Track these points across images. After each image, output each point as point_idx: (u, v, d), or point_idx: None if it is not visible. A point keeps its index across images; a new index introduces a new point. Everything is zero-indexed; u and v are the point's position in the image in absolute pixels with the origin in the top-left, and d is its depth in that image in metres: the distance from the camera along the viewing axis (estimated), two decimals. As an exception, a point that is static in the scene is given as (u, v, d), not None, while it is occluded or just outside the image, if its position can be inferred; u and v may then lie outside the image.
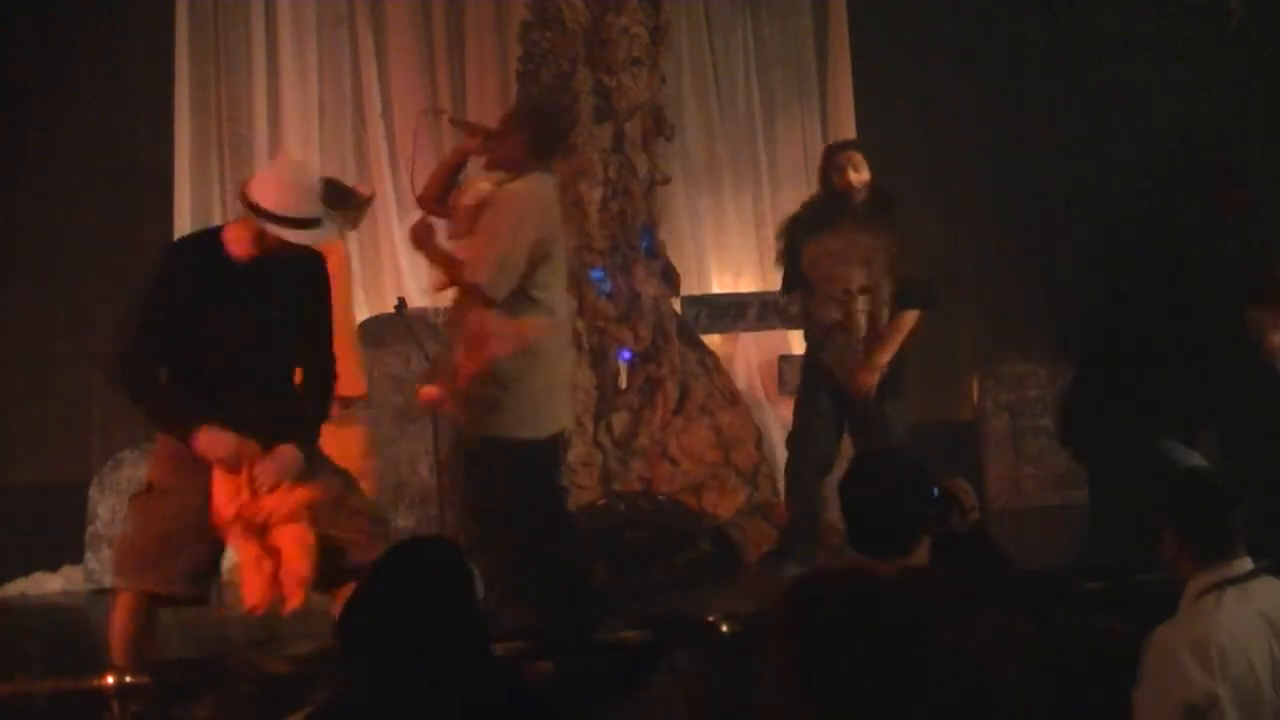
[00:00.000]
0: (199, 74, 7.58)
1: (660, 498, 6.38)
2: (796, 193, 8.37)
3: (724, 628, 4.34)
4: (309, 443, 4.32)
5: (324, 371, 4.43)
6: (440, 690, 2.50)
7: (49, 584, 6.92)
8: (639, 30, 6.81)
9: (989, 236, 8.29)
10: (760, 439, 6.85)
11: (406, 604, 2.58)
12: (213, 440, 4.13)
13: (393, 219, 7.65)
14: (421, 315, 6.70)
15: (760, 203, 8.30)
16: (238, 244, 4.20)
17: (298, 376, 4.40)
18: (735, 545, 6.21)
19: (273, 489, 4.16)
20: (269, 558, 4.21)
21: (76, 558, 6.97)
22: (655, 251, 6.89)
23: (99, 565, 6.95)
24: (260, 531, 4.19)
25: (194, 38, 7.57)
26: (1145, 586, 4.90)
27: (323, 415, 4.41)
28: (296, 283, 4.30)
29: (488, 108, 7.74)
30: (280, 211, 4.09)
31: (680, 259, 7.52)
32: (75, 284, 7.37)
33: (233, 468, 4.14)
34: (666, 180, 7.14)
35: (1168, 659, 3.09)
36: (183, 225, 7.46)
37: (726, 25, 8.31)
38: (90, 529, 6.98)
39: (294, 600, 4.23)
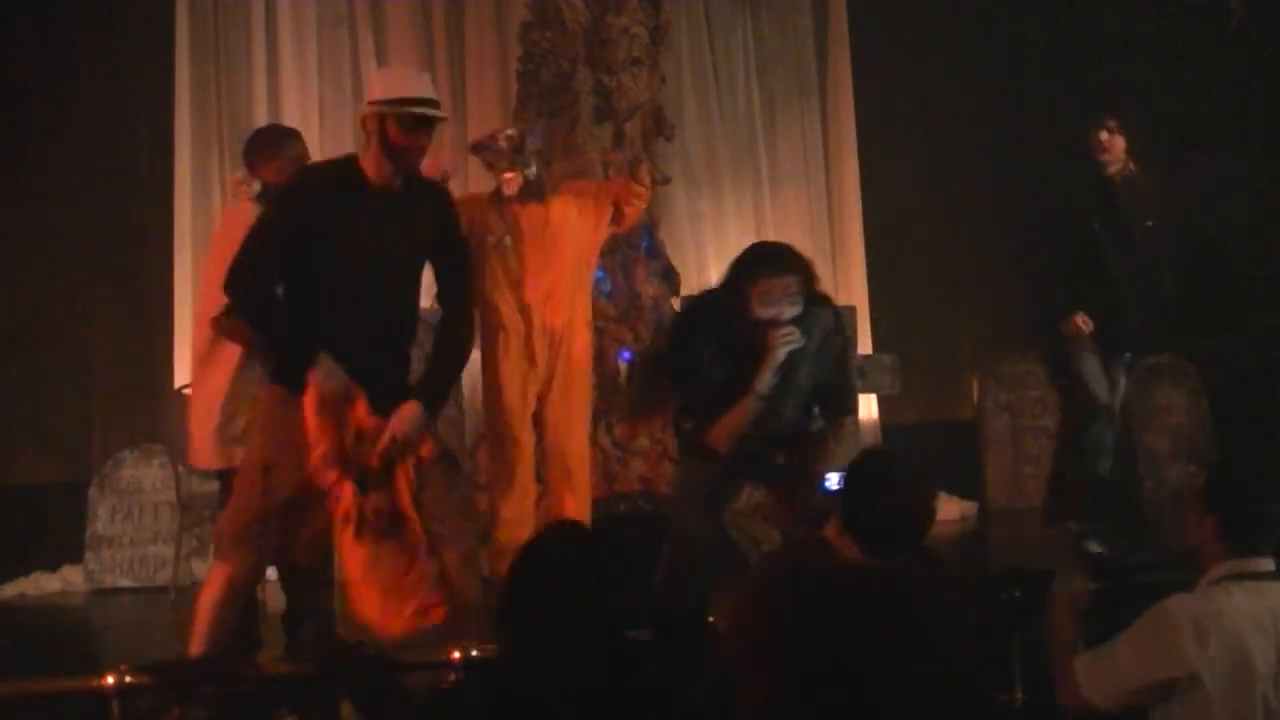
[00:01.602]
0: (199, 74, 7.58)
1: (660, 498, 6.39)
2: (796, 192, 8.40)
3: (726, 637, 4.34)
4: (435, 400, 4.16)
5: (463, 324, 4.29)
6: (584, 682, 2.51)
7: (49, 584, 6.93)
8: (639, 30, 6.82)
9: (989, 236, 8.29)
10: (760, 439, 6.85)
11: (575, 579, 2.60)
12: (328, 370, 3.98)
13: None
14: (423, 316, 6.69)
15: (760, 203, 8.30)
16: (373, 165, 4.09)
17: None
18: (735, 545, 6.21)
19: (394, 450, 4.00)
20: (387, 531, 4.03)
21: (76, 558, 6.98)
22: (655, 251, 6.89)
23: (99, 565, 6.96)
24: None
25: (194, 38, 7.57)
26: (1145, 587, 4.91)
27: (453, 375, 4.31)
28: (429, 216, 4.18)
29: (488, 107, 7.76)
30: (408, 93, 4.05)
31: (680, 259, 7.52)
32: (75, 283, 7.38)
33: (334, 409, 3.98)
34: (666, 180, 7.14)
35: (1167, 627, 3.11)
36: (183, 225, 7.47)
37: (726, 25, 8.31)
38: (90, 529, 6.99)
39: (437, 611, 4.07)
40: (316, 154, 7.50)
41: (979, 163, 8.40)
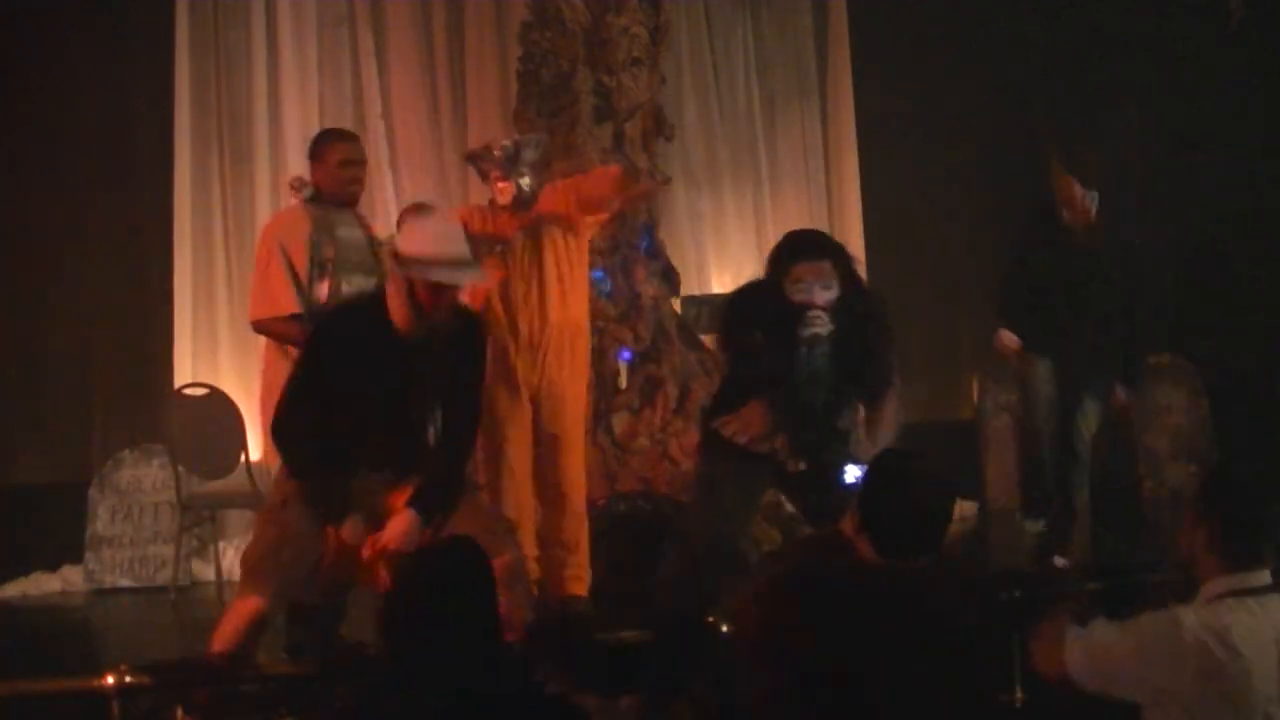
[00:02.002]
0: (199, 73, 7.58)
1: (660, 498, 6.39)
2: (796, 192, 8.41)
3: (724, 628, 4.33)
4: (431, 514, 4.17)
5: (464, 434, 4.34)
6: (456, 687, 2.55)
7: (49, 584, 6.93)
8: (639, 30, 6.81)
9: (989, 236, 8.29)
10: (760, 439, 6.84)
11: (430, 602, 2.65)
12: (354, 530, 4.11)
13: (393, 219, 7.63)
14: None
15: (760, 203, 8.30)
16: (399, 312, 4.13)
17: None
18: (736, 545, 6.21)
19: (382, 557, 4.09)
20: None
21: (76, 558, 6.98)
22: (655, 251, 6.89)
23: (99, 565, 6.96)
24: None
25: (194, 38, 7.56)
26: (1145, 587, 4.91)
27: (452, 493, 4.26)
28: (459, 350, 4.23)
29: (488, 107, 7.76)
30: (432, 255, 4.07)
31: (680, 259, 7.52)
32: (75, 283, 7.38)
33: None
34: (666, 180, 7.14)
35: (1177, 641, 3.02)
36: (183, 225, 7.47)
37: (726, 25, 8.31)
38: (90, 529, 6.98)
39: None
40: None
41: (979, 163, 8.40)
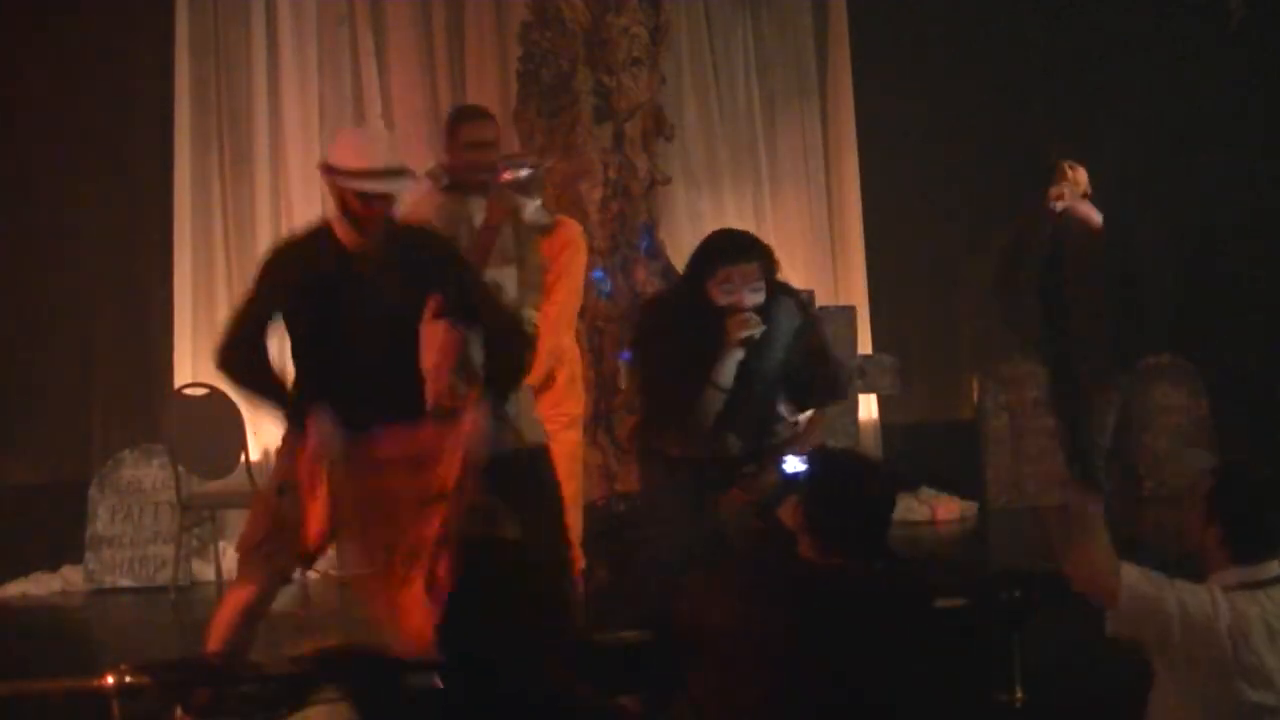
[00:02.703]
0: (199, 73, 7.58)
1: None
2: (796, 192, 8.40)
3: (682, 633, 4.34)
4: (498, 410, 4.15)
5: (508, 344, 4.26)
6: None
7: (49, 584, 6.93)
8: (639, 30, 6.82)
9: (989, 236, 8.29)
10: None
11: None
12: (326, 426, 4.00)
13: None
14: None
15: (760, 203, 8.30)
16: (342, 229, 4.08)
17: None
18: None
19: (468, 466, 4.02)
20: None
21: (76, 558, 6.98)
22: (655, 251, 6.89)
23: (99, 565, 6.96)
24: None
25: (194, 37, 7.56)
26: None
27: (507, 383, 4.26)
28: (418, 262, 4.14)
29: (488, 107, 7.74)
30: (356, 165, 4.01)
31: (680, 259, 7.51)
32: (75, 283, 7.38)
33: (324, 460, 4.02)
34: (666, 180, 7.14)
35: (1211, 614, 3.07)
36: (183, 225, 7.46)
37: (726, 25, 8.30)
38: (90, 529, 6.98)
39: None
40: (317, 154, 7.57)
41: (979, 163, 8.40)
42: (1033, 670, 4.38)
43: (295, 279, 4.08)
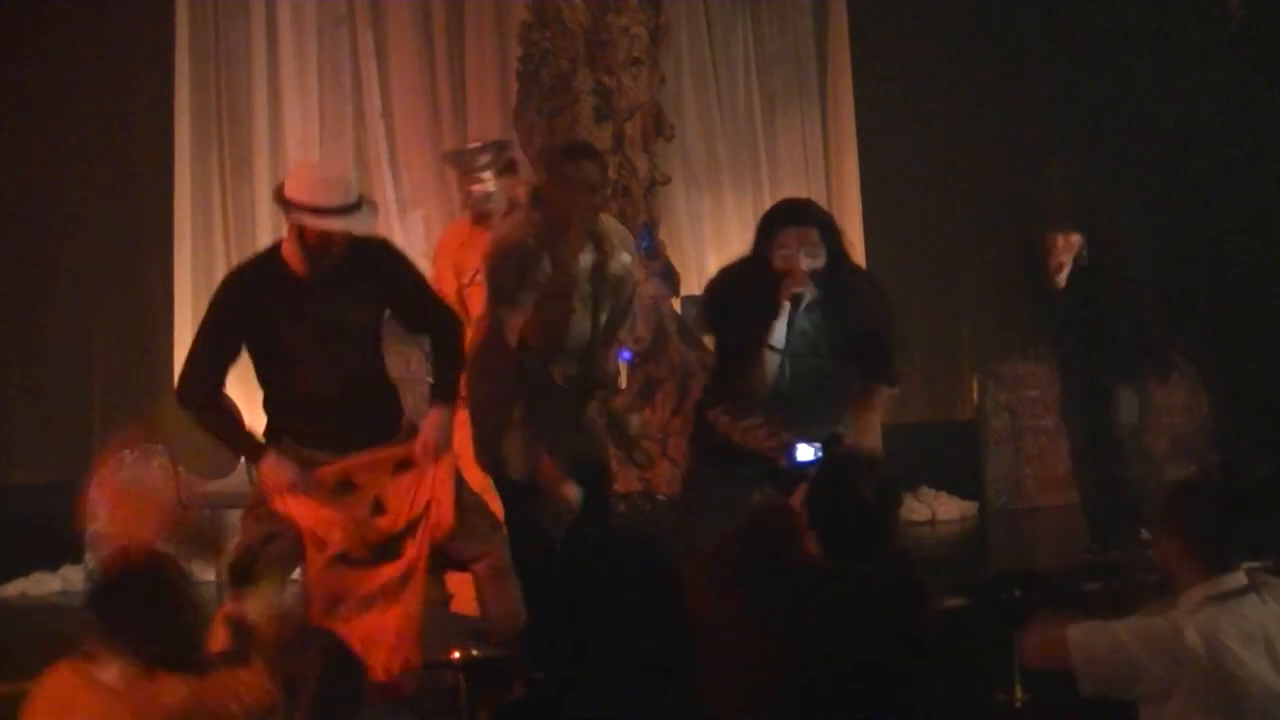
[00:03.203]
0: (199, 74, 7.57)
1: (660, 498, 6.39)
2: (796, 192, 8.39)
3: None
4: (450, 398, 4.24)
5: (449, 335, 4.34)
6: None
7: (49, 584, 6.92)
8: (639, 30, 6.83)
9: (989, 236, 8.30)
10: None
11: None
12: (275, 466, 4.07)
13: (393, 219, 7.64)
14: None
15: (760, 202, 8.29)
16: (294, 257, 4.09)
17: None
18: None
19: (430, 456, 4.10)
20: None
21: (76, 558, 6.97)
22: (655, 251, 6.90)
23: (98, 565, 6.95)
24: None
25: (194, 37, 7.56)
26: (1145, 586, 4.91)
27: (457, 370, 4.33)
28: (372, 278, 4.17)
29: (488, 107, 7.75)
30: (315, 203, 4.01)
31: (680, 259, 7.52)
32: (75, 283, 7.37)
33: (291, 492, 4.07)
34: (666, 180, 7.15)
35: (1178, 642, 3.04)
36: (182, 225, 7.46)
37: (726, 25, 8.30)
38: (90, 529, 6.97)
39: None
40: (317, 154, 7.58)
41: (979, 162, 8.40)
42: (1033, 670, 4.38)
43: (248, 311, 4.11)
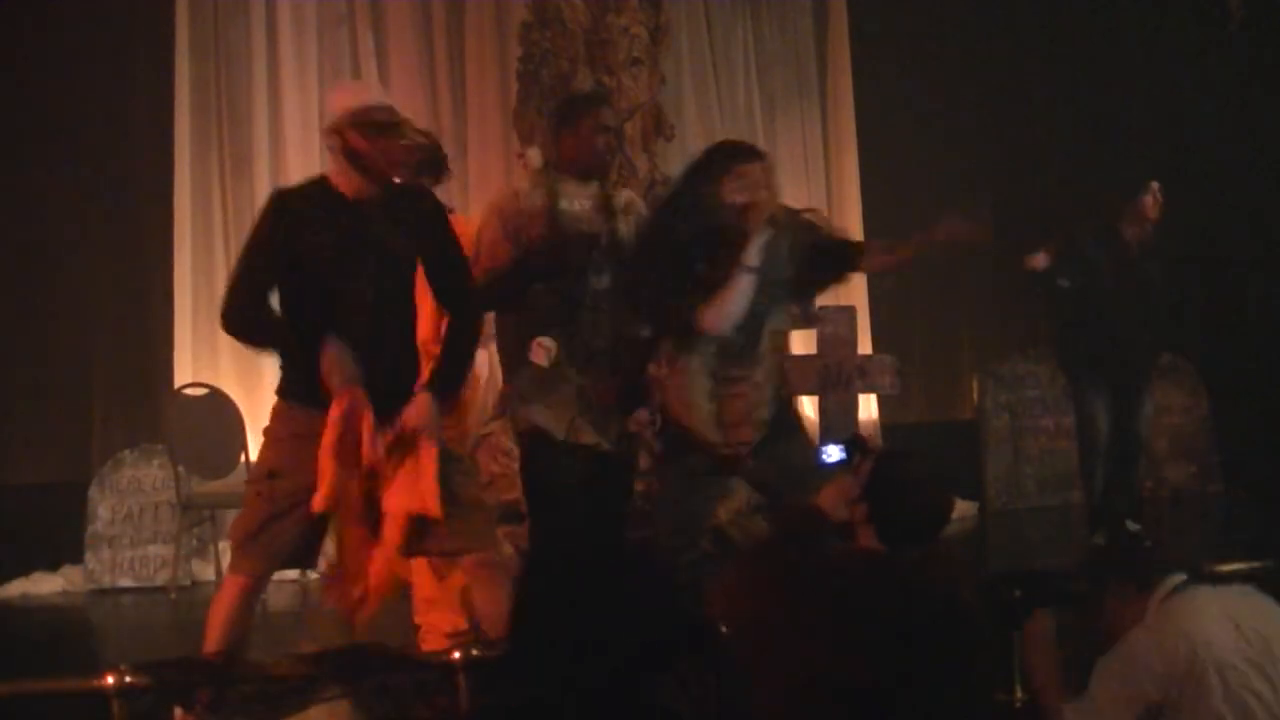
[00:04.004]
0: (199, 74, 7.58)
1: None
2: (796, 192, 8.39)
3: (724, 628, 4.34)
4: (446, 391, 4.12)
5: (468, 318, 4.23)
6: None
7: (49, 584, 6.93)
8: (639, 30, 6.81)
9: (989, 236, 8.29)
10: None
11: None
12: (339, 358, 3.91)
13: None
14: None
15: (760, 203, 8.29)
16: (343, 178, 4.03)
17: (422, 331, 4.25)
18: (735, 545, 6.21)
19: (405, 441, 3.99)
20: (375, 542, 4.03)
21: (76, 558, 6.98)
22: (655, 251, 6.88)
23: (99, 565, 6.96)
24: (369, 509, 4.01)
25: (194, 37, 7.56)
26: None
27: (464, 367, 4.25)
28: (412, 217, 4.11)
29: (488, 107, 7.76)
30: (365, 102, 4.01)
31: (680, 259, 7.51)
32: (75, 283, 7.38)
33: (348, 403, 3.91)
34: (666, 180, 7.14)
35: (1135, 664, 3.16)
36: (182, 225, 7.47)
37: (726, 25, 8.31)
38: (90, 529, 6.99)
39: (374, 603, 4.07)
40: (317, 154, 7.58)
41: (979, 163, 8.41)
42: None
43: (293, 228, 4.01)
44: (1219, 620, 3.14)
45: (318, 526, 4.11)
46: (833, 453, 4.34)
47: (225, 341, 7.41)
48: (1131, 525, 6.31)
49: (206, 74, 7.60)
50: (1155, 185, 6.42)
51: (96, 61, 7.44)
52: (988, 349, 8.46)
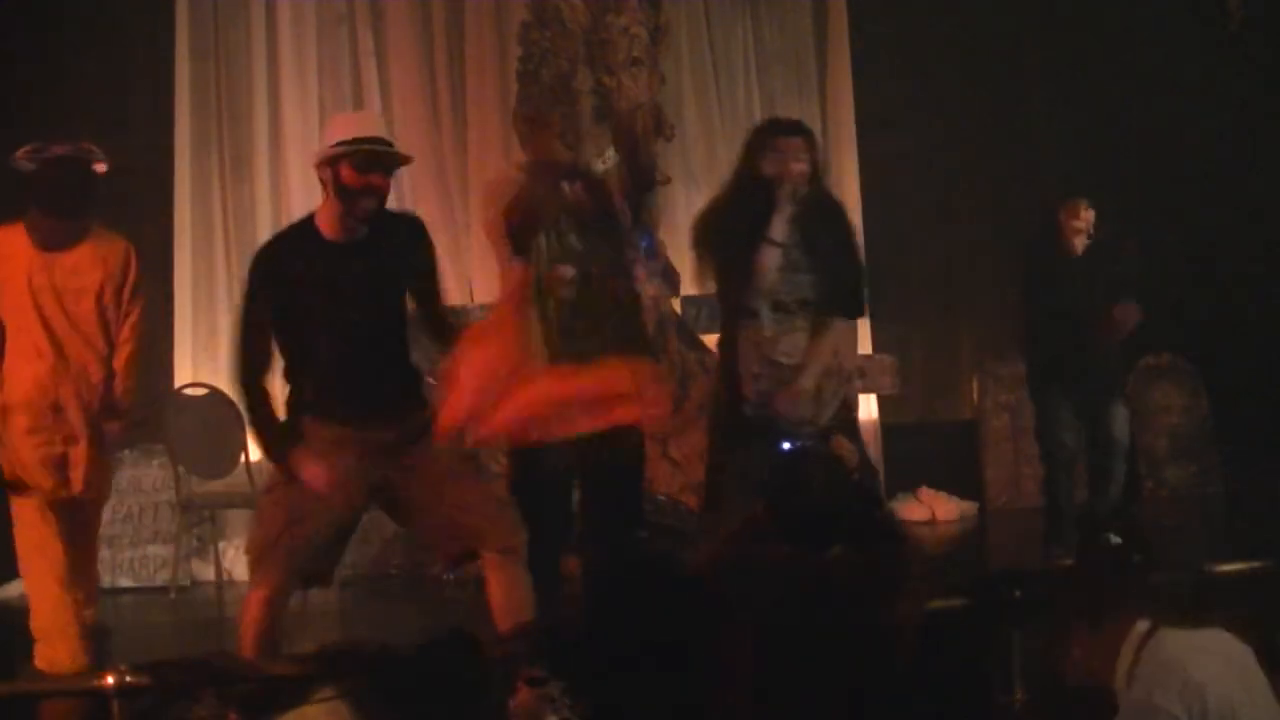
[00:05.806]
0: (199, 74, 7.58)
1: (660, 498, 6.39)
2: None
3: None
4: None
5: (448, 345, 4.24)
6: None
7: (49, 584, 6.91)
8: (639, 30, 6.83)
9: (989, 236, 8.30)
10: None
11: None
12: (310, 469, 4.00)
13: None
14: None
15: (760, 203, 8.29)
16: (328, 219, 4.09)
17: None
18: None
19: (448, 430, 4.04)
20: None
21: (76, 558, 6.96)
22: (655, 251, 6.89)
23: (99, 565, 6.94)
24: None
25: (194, 38, 7.57)
26: (1145, 588, 4.90)
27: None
28: (402, 251, 4.16)
29: (488, 107, 7.76)
30: (360, 134, 4.04)
31: (680, 259, 7.51)
32: (75, 284, 7.36)
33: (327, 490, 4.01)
34: (666, 180, 7.14)
35: (1180, 679, 3.01)
36: (182, 225, 7.47)
37: (726, 25, 8.30)
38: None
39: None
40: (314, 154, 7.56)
41: (979, 163, 8.41)
42: (1033, 670, 4.39)
43: (278, 276, 4.08)
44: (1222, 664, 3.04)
45: (337, 539, 4.14)
46: (785, 444, 4.34)
47: (225, 341, 7.45)
48: (1113, 538, 6.13)
49: (206, 74, 7.61)
50: (1080, 203, 6.32)
51: (96, 61, 7.44)
52: (988, 349, 8.46)
